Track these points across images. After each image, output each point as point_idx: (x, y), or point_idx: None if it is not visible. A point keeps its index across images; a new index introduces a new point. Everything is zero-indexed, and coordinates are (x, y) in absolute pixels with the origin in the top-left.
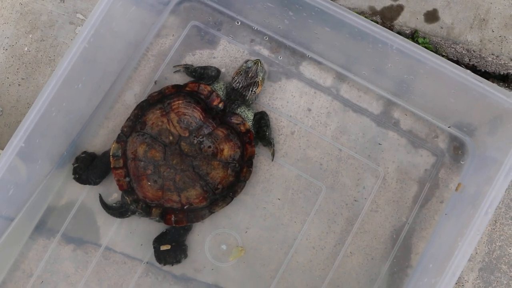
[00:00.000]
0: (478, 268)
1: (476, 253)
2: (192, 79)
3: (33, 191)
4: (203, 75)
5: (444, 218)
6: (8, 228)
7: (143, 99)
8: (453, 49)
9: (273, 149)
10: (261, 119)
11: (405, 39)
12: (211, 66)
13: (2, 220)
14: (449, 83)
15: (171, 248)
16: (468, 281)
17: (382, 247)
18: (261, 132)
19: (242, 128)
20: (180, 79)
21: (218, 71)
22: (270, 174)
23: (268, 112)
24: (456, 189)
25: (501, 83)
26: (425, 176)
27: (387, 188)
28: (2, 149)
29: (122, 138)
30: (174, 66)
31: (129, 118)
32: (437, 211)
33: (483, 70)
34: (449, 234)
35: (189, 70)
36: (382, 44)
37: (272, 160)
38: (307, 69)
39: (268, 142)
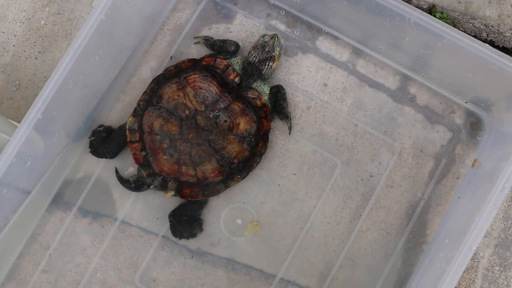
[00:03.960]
0: (494, 244)
1: (492, 229)
2: (210, 51)
3: (50, 164)
4: (222, 48)
5: (460, 194)
6: (25, 200)
7: (159, 73)
8: (471, 24)
9: (290, 123)
10: (278, 93)
11: (423, 12)
12: (231, 40)
13: (20, 193)
14: (467, 57)
15: (187, 222)
16: (483, 257)
17: (398, 222)
18: (277, 106)
19: (258, 102)
20: (196, 53)
21: (237, 46)
22: (285, 149)
23: (284, 87)
24: (473, 165)
25: None
26: (441, 151)
27: (403, 164)
28: (19, 122)
29: (138, 112)
30: (194, 38)
31: (145, 92)
32: (453, 187)
33: (501, 45)
34: (465, 209)
35: (208, 42)
36: (399, 17)
37: (290, 133)
38: (324, 44)
39: (285, 115)
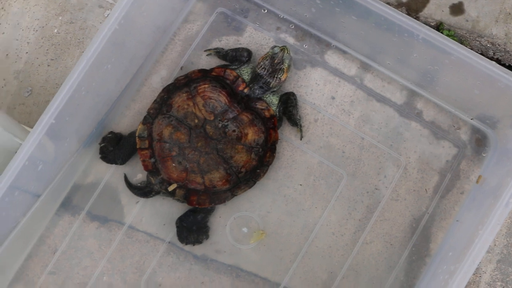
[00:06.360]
0: (496, 260)
1: (495, 245)
2: (220, 62)
3: (60, 168)
4: (235, 58)
5: (464, 209)
6: (35, 203)
7: (169, 83)
8: (478, 42)
9: (301, 130)
10: (288, 100)
11: (432, 29)
12: (243, 48)
13: (30, 196)
14: (474, 74)
15: (193, 228)
16: (486, 272)
17: (402, 235)
18: (287, 112)
19: (266, 113)
20: (206, 64)
21: (249, 53)
22: (292, 160)
23: (295, 94)
24: (477, 181)
25: None
26: (446, 167)
27: (408, 178)
28: (31, 127)
29: (148, 120)
30: (205, 50)
31: (155, 100)
32: (457, 202)
33: (507, 64)
34: (470, 224)
35: (220, 54)
36: (408, 33)
37: (301, 139)
38: (332, 58)
39: (294, 122)
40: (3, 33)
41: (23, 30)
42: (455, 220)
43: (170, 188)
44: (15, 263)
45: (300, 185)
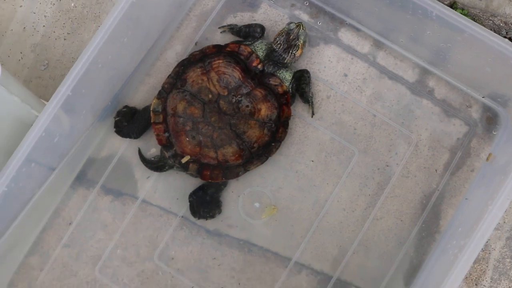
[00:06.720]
0: (505, 237)
1: (504, 222)
2: (234, 38)
3: (75, 142)
4: (248, 33)
5: (474, 186)
6: (50, 176)
7: (184, 58)
8: (491, 22)
9: (312, 107)
10: (301, 77)
11: (445, 6)
12: (256, 24)
13: (45, 169)
14: (486, 51)
15: (206, 203)
16: (495, 249)
17: (412, 212)
18: (299, 89)
19: (279, 89)
20: (221, 40)
21: (262, 29)
22: (304, 136)
23: (309, 71)
24: (487, 159)
25: None
26: (457, 144)
27: (419, 155)
28: (47, 100)
29: (163, 95)
30: (219, 28)
31: (170, 75)
32: (467, 179)
33: None
34: (479, 201)
35: (234, 30)
36: (422, 10)
37: (312, 116)
38: (345, 35)
39: (306, 100)
40: (20, 6)
41: (40, 3)
42: (465, 198)
43: (184, 160)
44: (30, 235)
45: (312, 161)
